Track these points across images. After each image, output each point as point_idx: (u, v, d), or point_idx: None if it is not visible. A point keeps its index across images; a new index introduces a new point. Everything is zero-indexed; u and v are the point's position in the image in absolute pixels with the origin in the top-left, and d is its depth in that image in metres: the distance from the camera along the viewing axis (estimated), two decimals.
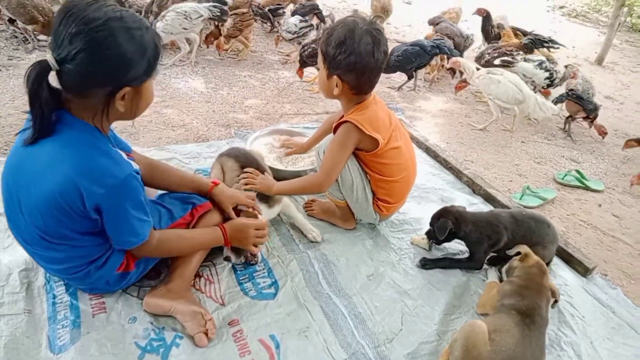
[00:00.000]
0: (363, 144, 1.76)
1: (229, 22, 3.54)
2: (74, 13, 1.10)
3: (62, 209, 1.20)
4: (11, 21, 3.56)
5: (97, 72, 1.12)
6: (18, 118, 2.49)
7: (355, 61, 1.63)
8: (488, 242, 1.83)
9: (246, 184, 1.83)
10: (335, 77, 1.70)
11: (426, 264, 1.87)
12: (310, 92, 3.50)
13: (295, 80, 3.62)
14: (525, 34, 4.29)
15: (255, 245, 1.63)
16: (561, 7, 7.95)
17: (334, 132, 1.79)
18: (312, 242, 1.89)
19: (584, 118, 3.41)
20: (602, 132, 3.38)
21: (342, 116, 1.80)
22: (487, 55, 3.76)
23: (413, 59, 3.62)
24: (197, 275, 1.62)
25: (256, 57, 4.03)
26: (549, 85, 3.65)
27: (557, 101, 3.43)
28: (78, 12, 1.10)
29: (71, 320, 1.40)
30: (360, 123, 1.70)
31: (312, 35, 3.96)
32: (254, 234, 1.60)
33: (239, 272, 1.70)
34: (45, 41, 3.57)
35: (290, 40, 4.01)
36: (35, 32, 3.46)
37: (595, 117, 3.36)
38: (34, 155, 1.21)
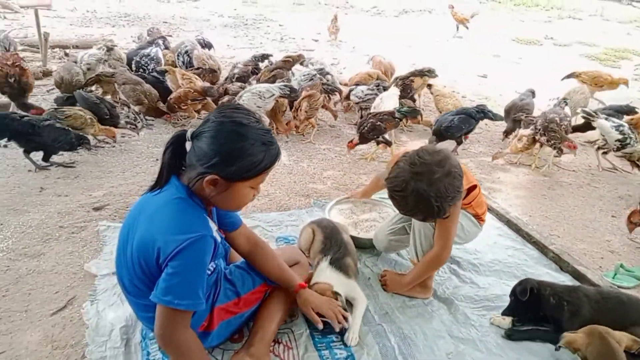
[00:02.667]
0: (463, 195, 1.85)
1: (305, 104, 3.81)
2: (221, 110, 1.40)
3: (140, 264, 1.36)
4: (125, 104, 4.14)
5: (203, 153, 1.33)
6: (127, 188, 2.82)
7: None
8: (568, 307, 1.74)
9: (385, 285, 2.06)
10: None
11: (512, 334, 1.81)
12: (385, 163, 3.60)
13: (369, 150, 3.75)
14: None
15: None
16: None
17: None
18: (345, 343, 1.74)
19: None
20: None
21: None
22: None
23: (462, 127, 3.73)
24: (276, 341, 1.68)
25: (335, 131, 4.26)
26: (618, 148, 3.61)
27: None
28: (224, 110, 1.40)
29: None
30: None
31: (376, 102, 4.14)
32: None
33: (316, 339, 1.73)
34: (153, 120, 4.07)
35: (357, 103, 4.29)
36: (143, 113, 3.98)
37: None
38: (149, 203, 1.42)
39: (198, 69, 4.61)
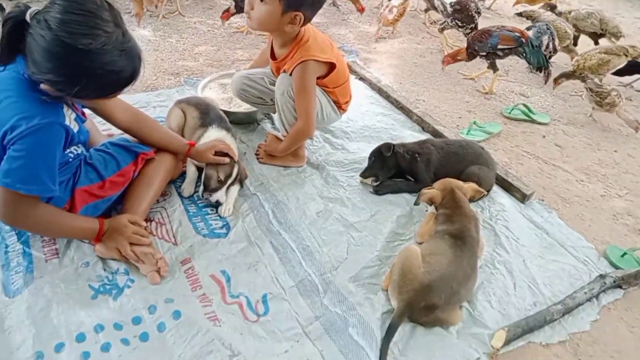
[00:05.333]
0: (320, 70, 1.85)
1: None
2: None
3: None
4: None
5: (36, 59, 1.16)
6: None
7: None
8: (421, 159, 1.97)
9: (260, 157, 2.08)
10: (293, 13, 1.64)
11: (379, 189, 1.99)
12: (264, 37, 3.44)
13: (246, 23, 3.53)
14: None
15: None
16: None
17: (290, 74, 1.81)
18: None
19: None
20: None
21: (287, 55, 1.81)
22: None
23: None
24: (147, 219, 1.67)
25: (207, 2, 3.89)
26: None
27: None
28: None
29: (24, 266, 1.44)
30: (315, 56, 1.75)
31: None
32: (130, 233, 1.50)
33: (191, 212, 1.76)
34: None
35: None
36: None
37: None
38: None
39: None
